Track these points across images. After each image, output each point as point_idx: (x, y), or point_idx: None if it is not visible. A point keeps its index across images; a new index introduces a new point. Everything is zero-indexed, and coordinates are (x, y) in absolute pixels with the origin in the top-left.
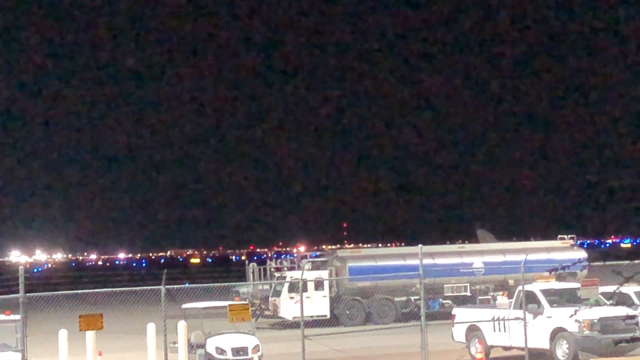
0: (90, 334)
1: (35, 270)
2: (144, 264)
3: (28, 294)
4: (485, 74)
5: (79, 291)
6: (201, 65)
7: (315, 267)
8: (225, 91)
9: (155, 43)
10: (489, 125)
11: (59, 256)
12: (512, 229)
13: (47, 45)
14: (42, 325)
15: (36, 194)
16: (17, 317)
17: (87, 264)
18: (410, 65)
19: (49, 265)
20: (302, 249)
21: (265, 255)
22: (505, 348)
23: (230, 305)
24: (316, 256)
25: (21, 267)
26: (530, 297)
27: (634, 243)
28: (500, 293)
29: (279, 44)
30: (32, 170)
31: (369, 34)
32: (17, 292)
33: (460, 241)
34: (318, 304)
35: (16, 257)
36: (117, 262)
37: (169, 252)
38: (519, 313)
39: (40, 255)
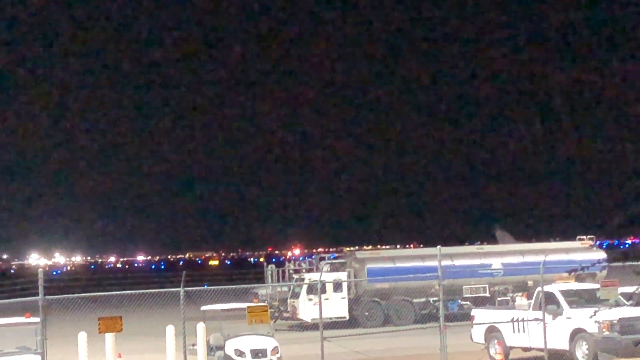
0: (109, 336)
1: (54, 273)
2: (162, 266)
3: (47, 297)
4: (505, 72)
5: (98, 293)
6: (216, 68)
7: (334, 268)
8: (239, 94)
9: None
10: (508, 126)
11: (78, 259)
12: (531, 229)
13: (79, 46)
14: (62, 327)
15: (55, 198)
16: (37, 319)
17: (106, 266)
18: (427, 63)
19: (68, 268)
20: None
21: (283, 257)
22: (525, 349)
23: (249, 307)
24: (334, 258)
25: (40, 269)
26: (550, 298)
27: None
28: (520, 294)
29: (286, 44)
30: (52, 174)
31: (385, 30)
32: (36, 294)
33: (479, 242)
34: (337, 306)
35: (35, 259)
36: (136, 265)
37: (187, 254)
38: (538, 314)
39: (59, 258)
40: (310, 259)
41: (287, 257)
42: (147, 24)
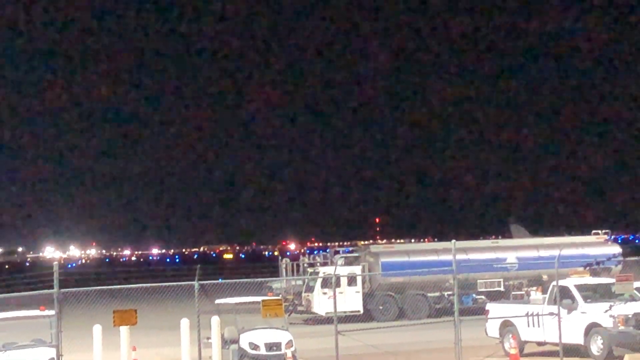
0: (124, 330)
1: (69, 266)
2: (177, 260)
3: (62, 290)
4: (518, 66)
5: (113, 287)
6: (237, 60)
7: (348, 262)
8: (256, 89)
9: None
10: (523, 121)
11: (92, 252)
12: (545, 224)
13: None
14: (77, 320)
15: (71, 192)
16: (52, 312)
17: (121, 259)
18: (440, 57)
19: (83, 261)
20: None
21: (298, 251)
22: (539, 343)
23: (263, 300)
24: (349, 252)
25: (55, 262)
26: (565, 293)
27: None
28: (534, 288)
29: (293, 43)
30: (68, 167)
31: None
32: (51, 287)
33: (493, 236)
34: (351, 300)
35: (50, 253)
36: (150, 258)
37: (202, 248)
38: (553, 308)
39: (74, 251)
40: (324, 253)
41: (302, 250)
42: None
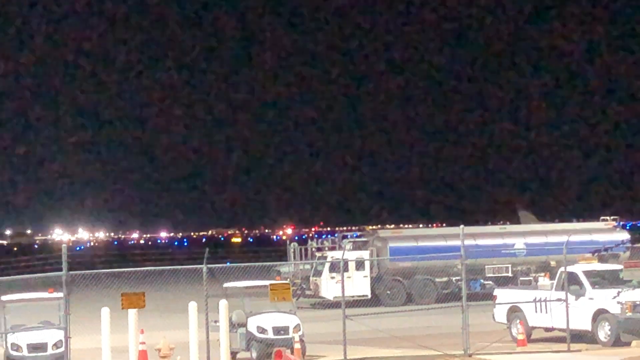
0: (132, 312)
1: (77, 249)
2: (185, 243)
3: (71, 272)
4: (530, 52)
5: (121, 269)
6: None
7: (357, 247)
8: (265, 71)
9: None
10: (531, 106)
11: (101, 235)
12: (554, 210)
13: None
14: (85, 303)
15: (79, 174)
16: (60, 294)
17: (129, 242)
18: (454, 37)
19: (91, 244)
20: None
21: (306, 235)
22: (547, 329)
23: (271, 284)
24: (357, 236)
25: (64, 245)
26: (573, 279)
27: None
28: (542, 274)
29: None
30: (76, 150)
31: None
32: (60, 270)
33: (501, 222)
34: (359, 284)
35: (59, 235)
36: (158, 241)
37: (210, 232)
38: (561, 294)
39: (82, 234)
40: (332, 237)
41: (310, 235)
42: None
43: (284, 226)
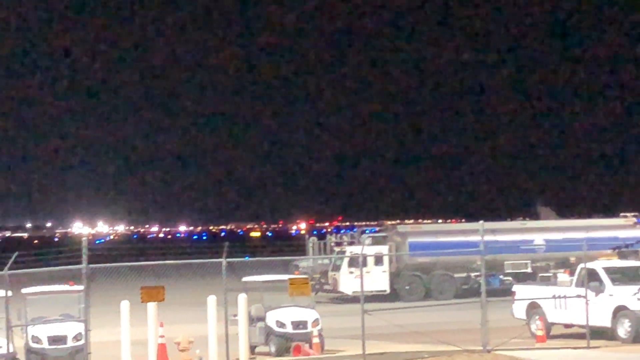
0: (151, 306)
1: (97, 242)
2: (204, 237)
3: (91, 265)
4: (553, 43)
5: (141, 263)
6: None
7: (376, 242)
8: (288, 65)
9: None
10: (553, 102)
11: (120, 228)
12: (574, 206)
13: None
14: (105, 296)
15: (100, 167)
16: (80, 287)
17: (149, 236)
18: (473, 32)
19: (111, 237)
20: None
21: (325, 230)
22: (566, 326)
23: (290, 279)
24: (376, 231)
25: (84, 238)
26: (592, 275)
27: None
28: (562, 270)
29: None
30: (96, 143)
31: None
32: (80, 263)
33: (521, 218)
34: (378, 279)
35: (79, 228)
36: (178, 235)
37: (229, 226)
38: (581, 291)
39: (102, 227)
40: (351, 232)
41: (329, 229)
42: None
43: (303, 221)
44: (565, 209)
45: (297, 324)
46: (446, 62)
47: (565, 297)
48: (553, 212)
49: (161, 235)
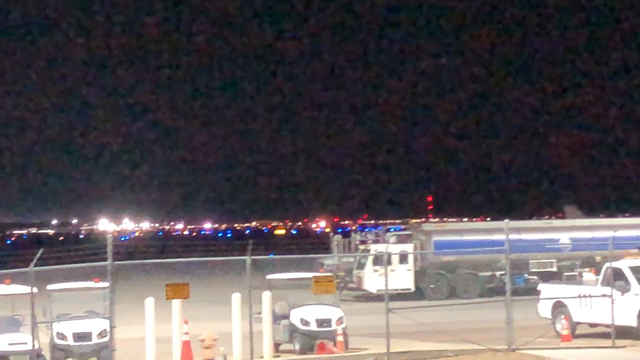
0: (176, 303)
1: (122, 239)
2: (229, 234)
3: (116, 262)
4: (579, 40)
5: (166, 260)
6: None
7: (400, 240)
8: (312, 62)
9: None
10: (577, 99)
11: (146, 225)
12: (600, 205)
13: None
14: (129, 293)
15: (124, 164)
16: (105, 284)
17: (174, 233)
18: (496, 29)
19: (136, 234)
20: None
21: (349, 228)
22: (592, 325)
23: (314, 277)
24: (401, 229)
25: (109, 235)
26: (618, 274)
27: None
28: (587, 270)
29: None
30: (122, 140)
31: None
32: (105, 259)
33: (547, 217)
34: (402, 278)
35: (104, 225)
36: (203, 232)
37: (254, 223)
38: (606, 290)
39: (127, 224)
40: (376, 230)
41: (353, 227)
42: None
43: (328, 219)
44: (591, 208)
45: (321, 322)
46: (474, 57)
47: (590, 296)
48: (579, 211)
49: (186, 232)
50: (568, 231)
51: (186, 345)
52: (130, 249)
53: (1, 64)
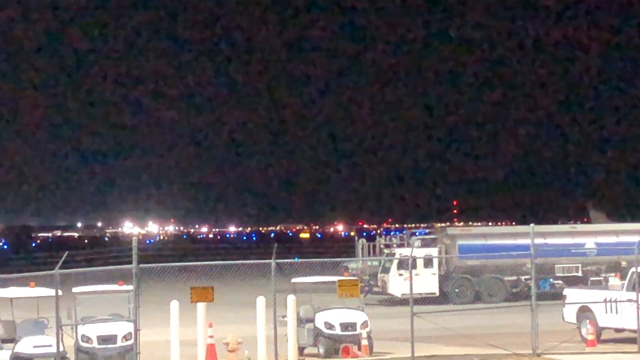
0: (201, 306)
1: (147, 242)
2: (254, 238)
3: (141, 265)
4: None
5: (191, 263)
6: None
7: (425, 244)
8: (350, 65)
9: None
10: (603, 102)
11: (171, 228)
12: (626, 209)
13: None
14: (154, 296)
15: (150, 168)
16: (130, 287)
17: (199, 236)
18: (531, 31)
19: (161, 237)
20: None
21: (374, 232)
22: (617, 330)
23: (339, 280)
24: (425, 233)
25: (134, 238)
26: None
27: None
28: (613, 274)
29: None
30: (147, 144)
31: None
32: (130, 263)
33: (572, 221)
34: (427, 282)
35: (129, 228)
36: (227, 236)
37: (278, 227)
38: (632, 295)
39: (152, 227)
40: (401, 234)
41: (378, 231)
42: None
43: (352, 222)
44: (617, 212)
45: (345, 326)
46: (502, 61)
47: (616, 301)
48: (605, 216)
49: (211, 235)
50: (594, 236)
51: (211, 349)
52: (155, 252)
53: (39, 72)
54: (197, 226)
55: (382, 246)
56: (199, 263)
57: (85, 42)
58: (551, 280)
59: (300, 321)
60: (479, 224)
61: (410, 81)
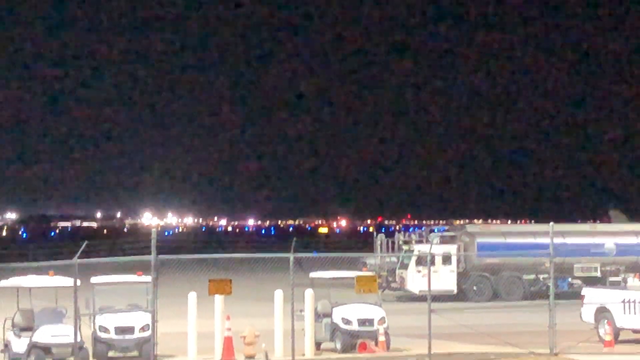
0: (219, 298)
1: (166, 234)
2: (272, 232)
3: (159, 256)
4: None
5: (209, 255)
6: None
7: (444, 241)
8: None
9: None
10: (622, 104)
11: (189, 220)
12: None
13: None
14: (172, 287)
15: (169, 160)
16: (149, 278)
17: (217, 229)
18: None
19: (180, 229)
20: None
21: (393, 228)
22: (635, 331)
23: (357, 276)
24: (444, 230)
25: (154, 229)
26: None
27: None
28: (632, 275)
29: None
30: (167, 136)
31: None
32: (149, 254)
33: (592, 221)
34: (445, 279)
35: (148, 219)
36: (246, 229)
37: (297, 221)
38: None
39: (171, 219)
40: (420, 231)
41: (397, 227)
42: None
43: (372, 218)
44: (637, 213)
45: (363, 321)
46: (525, 62)
47: (635, 301)
48: (624, 216)
49: (229, 228)
50: (613, 236)
51: (228, 341)
52: (173, 244)
53: (62, 63)
54: (215, 219)
55: (400, 242)
56: (217, 255)
57: (112, 29)
58: (570, 279)
59: (318, 316)
60: (498, 221)
61: (433, 79)
